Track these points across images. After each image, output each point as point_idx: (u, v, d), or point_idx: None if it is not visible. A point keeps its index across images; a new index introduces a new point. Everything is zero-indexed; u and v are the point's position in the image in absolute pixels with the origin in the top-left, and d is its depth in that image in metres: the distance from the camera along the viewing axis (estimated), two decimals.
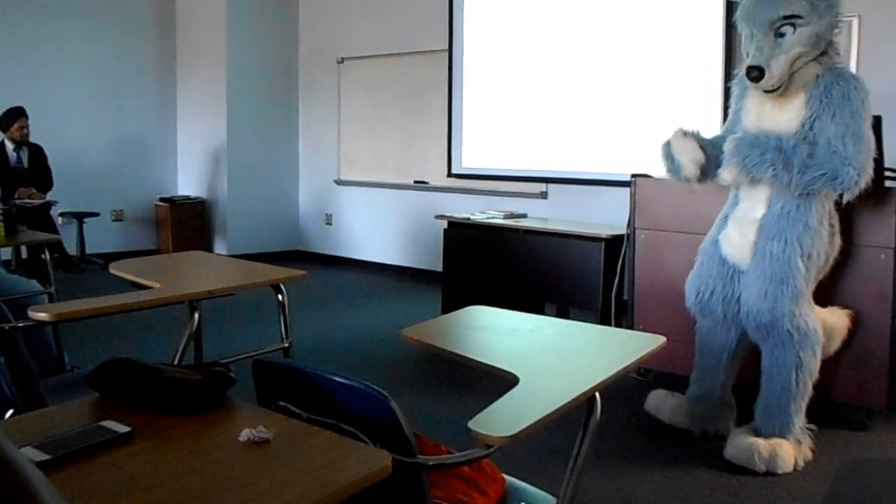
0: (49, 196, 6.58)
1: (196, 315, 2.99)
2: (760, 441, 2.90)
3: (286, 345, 3.21)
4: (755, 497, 2.71)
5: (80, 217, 7.20)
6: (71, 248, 7.05)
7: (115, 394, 1.45)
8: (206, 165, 7.96)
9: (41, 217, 6.16)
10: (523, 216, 5.58)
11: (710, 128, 4.63)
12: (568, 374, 1.70)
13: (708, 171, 3.05)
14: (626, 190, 3.99)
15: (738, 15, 2.99)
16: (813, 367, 2.94)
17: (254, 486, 1.11)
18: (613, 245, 4.46)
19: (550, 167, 5.90)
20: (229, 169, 7.72)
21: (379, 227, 7.49)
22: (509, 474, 1.75)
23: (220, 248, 7.82)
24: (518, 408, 1.48)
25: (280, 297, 3.14)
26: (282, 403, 1.46)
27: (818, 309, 3.08)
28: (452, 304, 4.70)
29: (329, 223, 7.99)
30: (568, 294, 4.86)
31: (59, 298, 3.71)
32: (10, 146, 6.49)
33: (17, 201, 6.09)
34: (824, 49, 2.88)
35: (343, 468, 1.17)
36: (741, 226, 3.04)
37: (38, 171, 6.58)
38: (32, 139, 6.57)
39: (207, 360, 3.19)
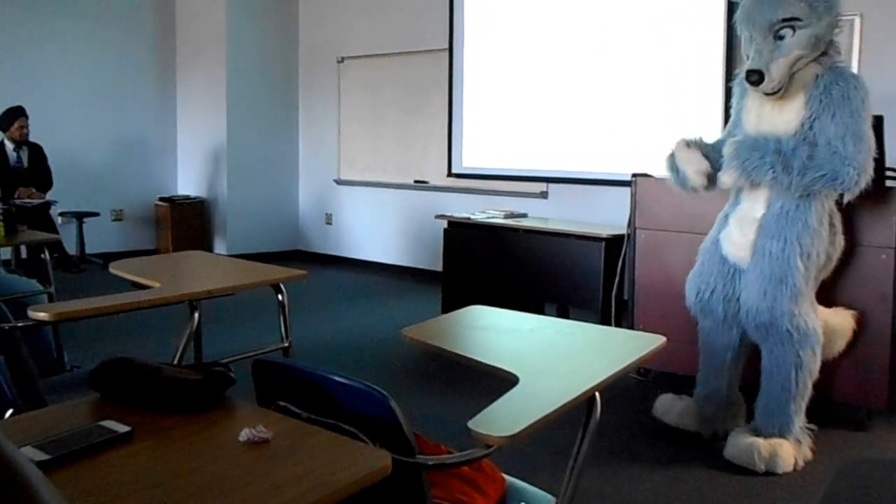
0: (49, 196, 6.58)
1: (196, 315, 3.00)
2: (760, 441, 2.89)
3: (286, 344, 3.21)
4: (755, 497, 2.71)
5: (79, 217, 7.20)
6: (71, 248, 7.05)
7: (115, 393, 1.45)
8: (206, 165, 7.96)
9: (41, 217, 6.16)
10: (523, 216, 5.57)
11: (711, 127, 4.66)
12: (568, 374, 1.70)
13: (714, 178, 3.06)
14: (627, 189, 3.99)
15: (737, 17, 2.99)
16: (813, 366, 2.94)
17: (253, 486, 1.11)
18: (614, 245, 4.46)
19: (551, 167, 5.90)
20: (229, 168, 7.72)
21: (379, 227, 7.49)
22: (509, 474, 1.75)
23: (219, 247, 7.82)
24: (518, 408, 1.48)
25: (280, 296, 3.14)
26: (281, 403, 1.45)
27: (822, 309, 3.07)
28: (452, 303, 4.70)
29: (329, 223, 7.99)
30: (568, 294, 4.86)
31: (58, 298, 3.71)
32: (9, 146, 6.48)
33: (17, 201, 6.09)
34: (824, 49, 2.88)
35: (343, 468, 1.17)
36: (742, 225, 3.04)
37: (37, 170, 6.58)
38: (32, 139, 6.57)
39: (207, 359, 3.19)
